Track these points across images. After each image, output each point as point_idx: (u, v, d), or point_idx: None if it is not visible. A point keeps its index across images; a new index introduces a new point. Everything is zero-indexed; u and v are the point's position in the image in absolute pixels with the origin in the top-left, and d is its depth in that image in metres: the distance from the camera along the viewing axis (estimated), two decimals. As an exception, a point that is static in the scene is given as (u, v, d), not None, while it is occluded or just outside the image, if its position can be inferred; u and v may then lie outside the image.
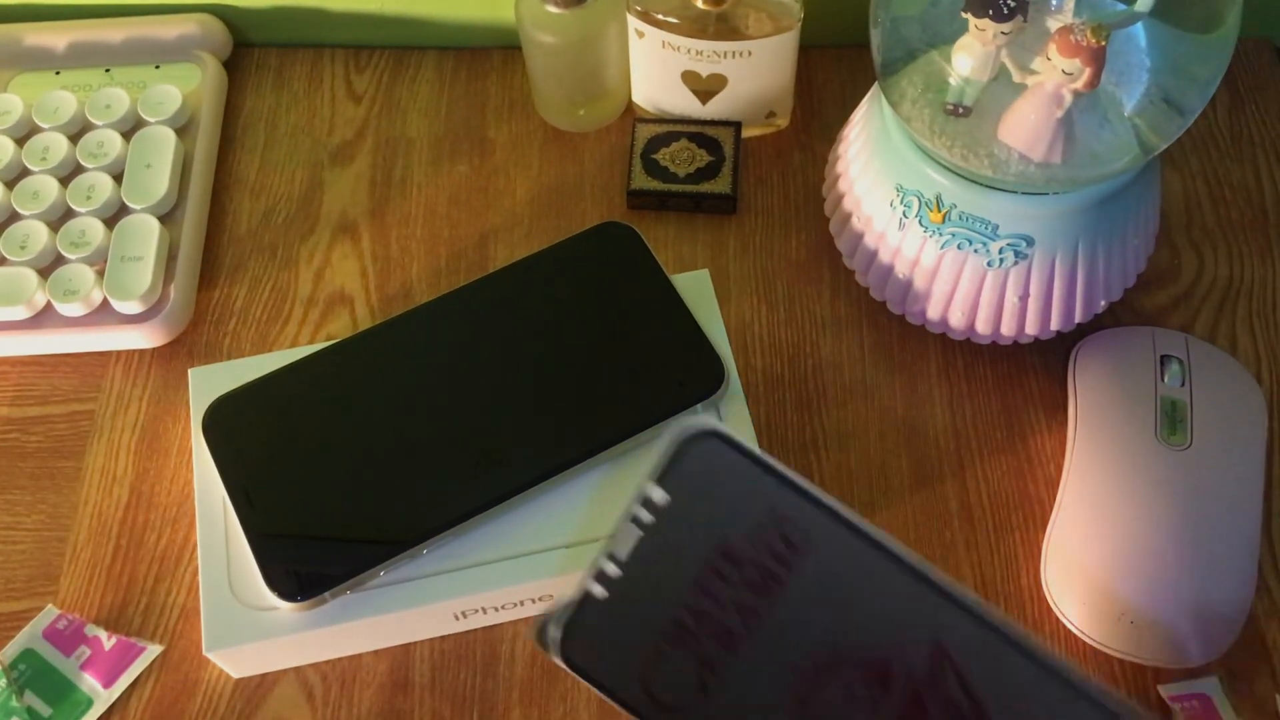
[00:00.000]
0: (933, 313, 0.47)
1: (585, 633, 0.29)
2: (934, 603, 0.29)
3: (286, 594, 0.39)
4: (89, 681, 0.43)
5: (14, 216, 0.52)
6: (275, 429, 0.43)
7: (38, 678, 0.43)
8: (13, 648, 0.44)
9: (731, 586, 0.29)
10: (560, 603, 0.30)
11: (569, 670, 0.29)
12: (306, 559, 0.40)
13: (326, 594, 0.40)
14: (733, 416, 0.44)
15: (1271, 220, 0.54)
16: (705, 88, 0.54)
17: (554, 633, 0.29)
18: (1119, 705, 0.28)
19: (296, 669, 0.44)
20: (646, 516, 0.30)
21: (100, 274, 0.51)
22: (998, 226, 0.43)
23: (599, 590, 0.30)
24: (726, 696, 0.29)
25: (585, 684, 0.29)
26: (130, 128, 0.55)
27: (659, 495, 0.30)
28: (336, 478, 0.42)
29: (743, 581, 0.29)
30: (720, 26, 0.51)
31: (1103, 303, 0.46)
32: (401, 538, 0.40)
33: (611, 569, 0.30)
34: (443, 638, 0.44)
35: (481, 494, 0.41)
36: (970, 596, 0.29)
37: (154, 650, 0.44)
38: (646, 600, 0.30)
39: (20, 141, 0.54)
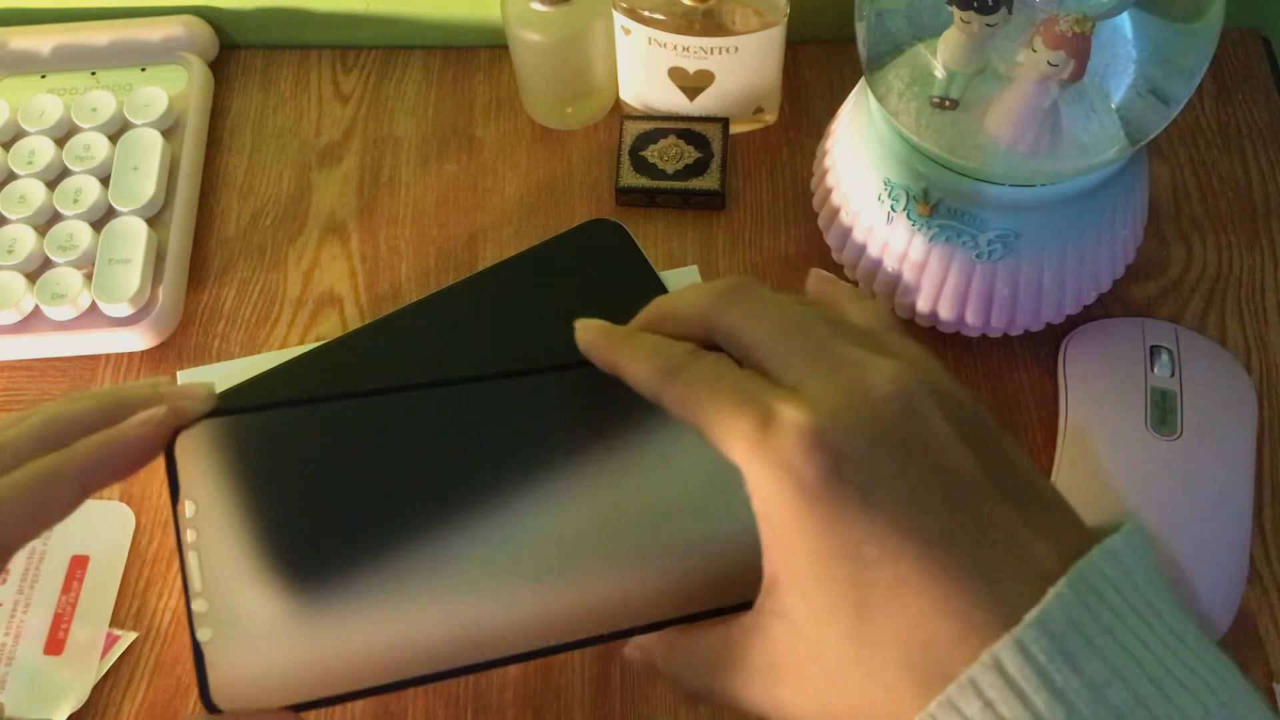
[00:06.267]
0: (922, 305, 0.47)
1: (225, 676, 0.29)
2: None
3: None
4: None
5: (1, 221, 0.52)
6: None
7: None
8: (4, 653, 0.44)
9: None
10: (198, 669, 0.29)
11: None
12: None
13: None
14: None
15: (1259, 210, 0.54)
16: (692, 84, 0.54)
17: (208, 702, 0.29)
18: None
19: (289, 671, 0.44)
20: (193, 535, 0.30)
21: (88, 277, 0.50)
22: (986, 219, 0.43)
23: (205, 633, 0.29)
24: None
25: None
26: (116, 130, 0.55)
27: (190, 509, 0.30)
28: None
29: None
30: (706, 22, 0.51)
31: (1092, 294, 0.47)
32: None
33: (202, 605, 0.29)
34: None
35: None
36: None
37: (129, 636, 0.44)
38: (245, 599, 0.30)
39: (6, 145, 0.54)
